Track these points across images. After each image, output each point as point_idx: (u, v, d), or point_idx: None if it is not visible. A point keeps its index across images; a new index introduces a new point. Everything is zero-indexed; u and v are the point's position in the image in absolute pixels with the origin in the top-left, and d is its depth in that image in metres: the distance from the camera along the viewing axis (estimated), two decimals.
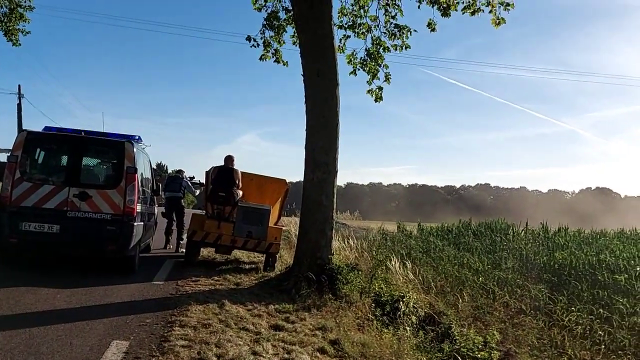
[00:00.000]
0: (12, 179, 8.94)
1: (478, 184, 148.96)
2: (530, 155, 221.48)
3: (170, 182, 14.80)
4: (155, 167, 12.79)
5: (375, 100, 12.29)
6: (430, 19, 11.84)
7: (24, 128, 10.59)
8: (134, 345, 5.55)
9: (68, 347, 5.33)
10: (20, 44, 14.59)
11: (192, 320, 6.56)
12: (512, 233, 17.12)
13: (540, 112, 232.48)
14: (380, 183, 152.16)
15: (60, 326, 6.02)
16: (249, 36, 12.73)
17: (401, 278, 10.35)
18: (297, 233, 10.74)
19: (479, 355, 6.35)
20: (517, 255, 12.89)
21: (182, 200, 14.98)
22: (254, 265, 12.11)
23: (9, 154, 9.67)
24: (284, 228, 14.34)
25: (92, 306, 7.17)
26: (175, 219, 14.62)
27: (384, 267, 10.79)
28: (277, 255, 11.79)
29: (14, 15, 14.13)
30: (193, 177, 15.44)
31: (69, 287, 8.05)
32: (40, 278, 8.55)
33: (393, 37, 12.13)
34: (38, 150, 9.71)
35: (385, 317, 7.82)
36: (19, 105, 33.22)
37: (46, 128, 10.05)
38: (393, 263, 10.91)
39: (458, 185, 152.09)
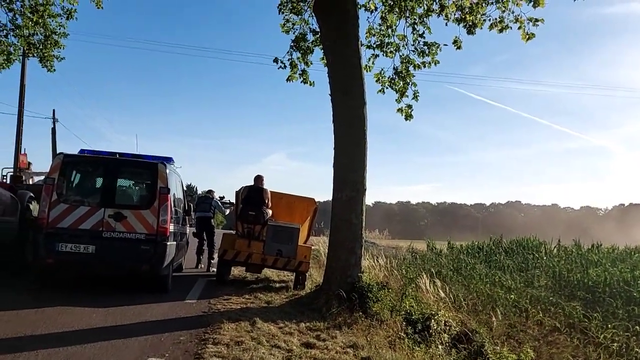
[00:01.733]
0: (49, 201, 9.15)
1: (509, 201, 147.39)
2: (559, 171, 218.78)
3: (200, 202, 15.02)
4: (185, 188, 12.98)
5: (406, 119, 12.40)
6: (455, 37, 11.91)
7: (59, 151, 10.84)
8: None
9: None
10: (54, 70, 14.90)
11: (225, 337, 6.62)
12: (544, 250, 16.86)
13: (568, 127, 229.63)
14: (409, 201, 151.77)
15: (97, 344, 6.12)
16: (276, 58, 12.91)
17: (432, 296, 10.28)
18: (327, 252, 10.78)
19: None
20: (550, 273, 12.71)
21: (212, 220, 15.16)
22: (284, 284, 12.16)
23: (45, 177, 9.91)
24: (313, 247, 14.37)
25: (127, 325, 7.28)
26: (205, 238, 14.79)
27: (414, 286, 10.74)
28: (307, 274, 11.81)
29: (49, 42, 14.48)
30: (223, 197, 15.64)
31: (104, 306, 8.18)
32: (76, 298, 8.72)
33: (422, 54, 12.23)
34: (74, 172, 9.89)
35: (417, 335, 7.77)
36: (54, 130, 33.90)
37: (81, 151, 10.31)
38: (423, 281, 10.86)
39: (488, 203, 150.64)
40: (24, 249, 10.51)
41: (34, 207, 10.86)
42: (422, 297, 10.05)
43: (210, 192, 15.52)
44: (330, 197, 10.26)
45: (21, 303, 8.00)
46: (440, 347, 7.36)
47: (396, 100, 12.54)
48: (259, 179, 12.23)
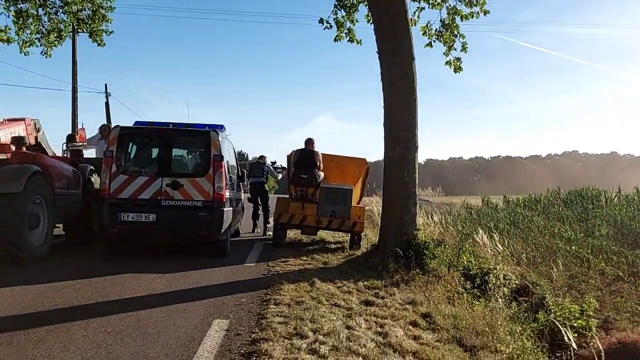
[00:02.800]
0: (110, 173, 9.46)
1: (565, 151, 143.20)
2: (619, 117, 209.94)
3: (253, 168, 15.23)
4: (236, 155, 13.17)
5: (455, 71, 12.16)
6: None
7: (115, 123, 11.13)
8: (234, 323, 5.78)
9: (173, 327, 5.60)
10: (104, 44, 15.15)
11: (286, 298, 6.76)
12: (604, 199, 16.34)
13: (626, 72, 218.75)
14: (461, 157, 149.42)
15: (163, 308, 6.33)
16: (321, 18, 12.78)
17: (489, 251, 10.19)
18: (381, 211, 10.77)
19: (576, 324, 6.17)
20: (611, 222, 12.35)
21: (265, 185, 15.36)
22: (339, 245, 12.27)
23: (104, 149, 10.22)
24: (366, 207, 14.40)
25: (191, 289, 7.51)
26: (260, 203, 15.02)
27: (471, 241, 10.66)
28: (362, 234, 11.88)
29: (97, 17, 14.72)
30: (275, 162, 15.78)
31: (167, 272, 8.46)
32: (141, 264, 9.03)
33: (470, 4, 11.85)
34: (131, 144, 10.15)
35: (476, 290, 7.74)
36: (107, 104, 34.48)
37: (136, 123, 10.55)
38: (480, 236, 10.75)
39: (544, 154, 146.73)
40: (89, 220, 10.98)
41: (95, 179, 11.29)
42: (480, 252, 9.98)
43: (262, 157, 15.69)
44: (381, 157, 10.20)
45: (90, 271, 8.35)
46: (500, 300, 7.30)
47: (444, 53, 12.28)
48: (309, 142, 12.26)
